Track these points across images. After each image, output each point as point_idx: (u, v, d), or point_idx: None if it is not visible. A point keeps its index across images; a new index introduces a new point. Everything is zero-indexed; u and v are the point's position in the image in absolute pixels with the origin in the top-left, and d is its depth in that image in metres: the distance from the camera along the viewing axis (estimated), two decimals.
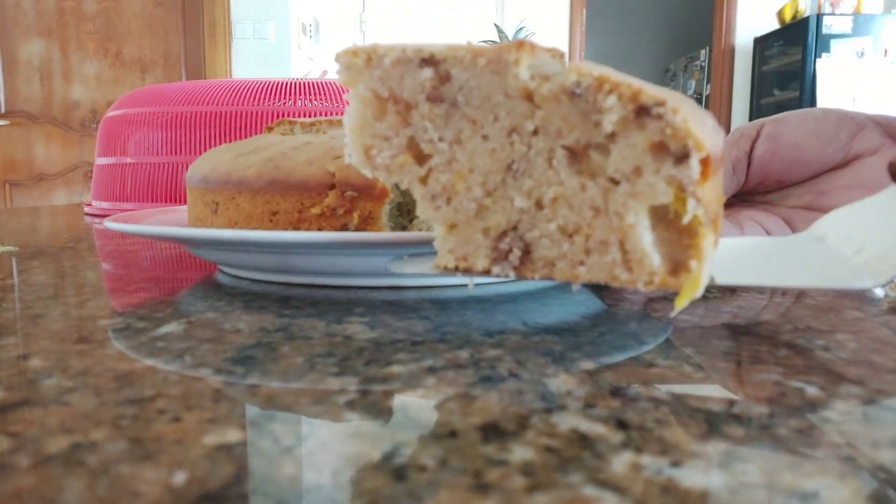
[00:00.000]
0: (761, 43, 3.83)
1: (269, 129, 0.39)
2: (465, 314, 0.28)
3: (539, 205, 0.21)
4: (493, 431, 0.16)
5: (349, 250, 0.30)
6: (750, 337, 0.25)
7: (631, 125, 0.19)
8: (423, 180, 0.23)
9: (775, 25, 3.76)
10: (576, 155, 0.21)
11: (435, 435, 0.16)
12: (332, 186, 0.32)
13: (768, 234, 0.38)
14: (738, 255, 0.25)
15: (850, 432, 0.16)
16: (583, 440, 0.16)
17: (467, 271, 0.23)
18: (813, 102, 3.39)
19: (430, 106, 0.22)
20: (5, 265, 0.43)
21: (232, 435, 0.16)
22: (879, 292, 0.32)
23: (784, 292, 0.32)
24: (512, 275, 0.22)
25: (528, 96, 0.21)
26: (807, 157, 0.38)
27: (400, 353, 0.22)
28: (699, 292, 0.20)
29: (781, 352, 0.23)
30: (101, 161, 0.91)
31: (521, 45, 0.20)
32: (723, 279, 0.23)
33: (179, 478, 0.14)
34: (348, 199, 0.32)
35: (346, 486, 0.14)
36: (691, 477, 0.14)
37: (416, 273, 0.24)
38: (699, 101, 4.38)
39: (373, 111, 0.23)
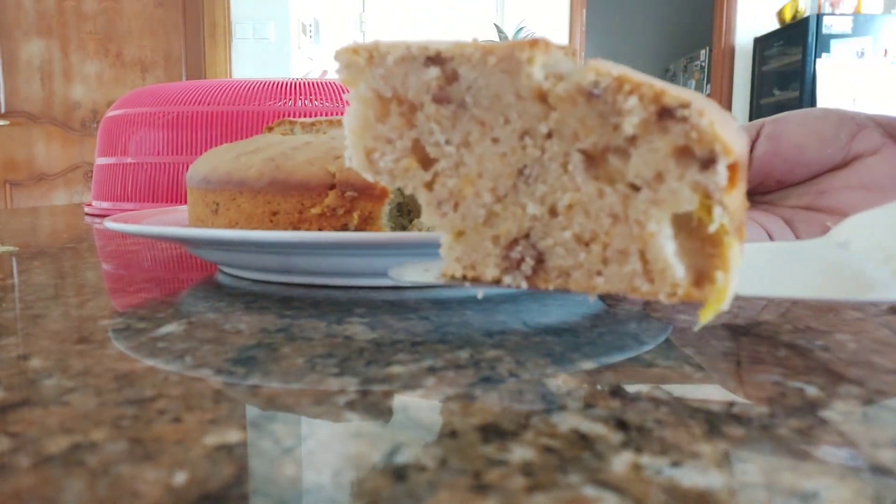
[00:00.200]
0: (761, 43, 3.83)
1: (270, 129, 0.39)
2: (465, 314, 0.28)
3: (553, 212, 0.20)
4: (493, 431, 0.16)
5: (349, 250, 0.30)
6: (750, 337, 0.25)
7: (653, 128, 0.18)
8: (429, 185, 0.22)
9: (775, 25, 3.76)
10: (593, 159, 0.20)
11: (435, 435, 0.16)
12: (333, 186, 0.32)
13: (769, 234, 0.38)
14: (758, 264, 0.24)
15: (850, 432, 0.16)
16: (583, 440, 0.16)
17: (476, 281, 0.21)
18: (813, 102, 3.39)
19: (437, 107, 0.21)
20: (5, 265, 0.43)
21: (232, 435, 0.16)
22: None
23: None
24: (524, 285, 0.21)
25: (542, 97, 0.19)
26: (807, 157, 0.38)
27: (400, 354, 0.22)
28: (726, 305, 0.18)
29: (781, 352, 0.23)
30: (101, 161, 0.91)
31: (534, 42, 0.19)
32: (745, 290, 0.21)
33: (180, 478, 0.14)
34: (348, 199, 0.32)
35: (346, 487, 0.14)
36: (691, 477, 0.14)
37: (418, 282, 0.24)
38: None
39: (375, 112, 0.22)
